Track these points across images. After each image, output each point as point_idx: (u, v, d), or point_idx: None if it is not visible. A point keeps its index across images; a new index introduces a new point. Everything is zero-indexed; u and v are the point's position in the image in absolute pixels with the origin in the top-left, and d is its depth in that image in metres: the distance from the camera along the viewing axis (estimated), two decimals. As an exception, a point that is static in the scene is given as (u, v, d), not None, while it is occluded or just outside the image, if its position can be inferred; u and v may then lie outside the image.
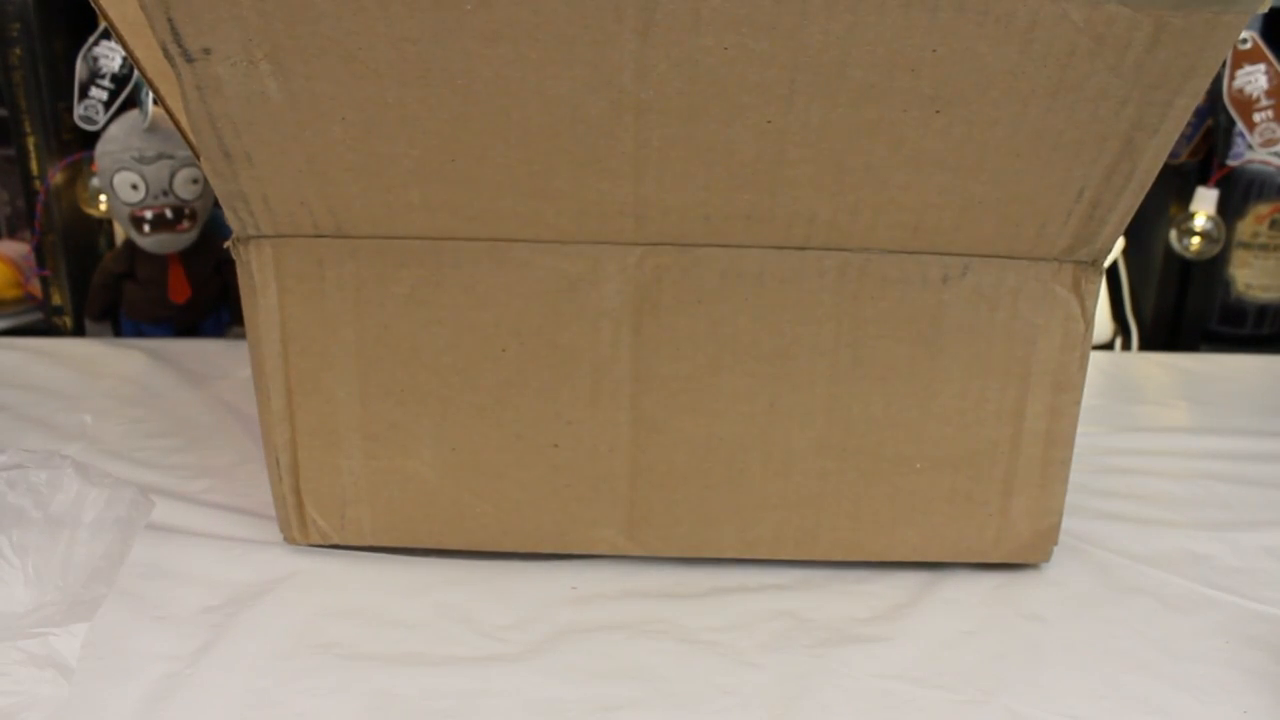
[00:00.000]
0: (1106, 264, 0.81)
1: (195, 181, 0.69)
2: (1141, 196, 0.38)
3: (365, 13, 0.33)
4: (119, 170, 0.67)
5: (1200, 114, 0.76)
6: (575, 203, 0.38)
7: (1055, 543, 0.44)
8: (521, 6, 0.33)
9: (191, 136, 0.37)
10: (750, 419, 0.41)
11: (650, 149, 0.36)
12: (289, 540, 0.44)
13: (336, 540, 0.44)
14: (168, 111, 0.40)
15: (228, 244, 0.40)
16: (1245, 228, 0.78)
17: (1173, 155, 0.78)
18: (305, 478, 0.43)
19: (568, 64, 0.34)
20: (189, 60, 0.34)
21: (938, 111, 0.35)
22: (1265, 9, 0.33)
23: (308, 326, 0.40)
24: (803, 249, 0.39)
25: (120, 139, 0.68)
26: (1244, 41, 0.71)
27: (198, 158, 0.38)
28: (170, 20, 0.33)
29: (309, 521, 0.44)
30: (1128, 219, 0.38)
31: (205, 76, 0.34)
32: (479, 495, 0.43)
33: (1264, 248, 0.78)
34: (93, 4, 0.37)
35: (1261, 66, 0.71)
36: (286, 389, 0.41)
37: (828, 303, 0.40)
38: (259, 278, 0.40)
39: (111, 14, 0.38)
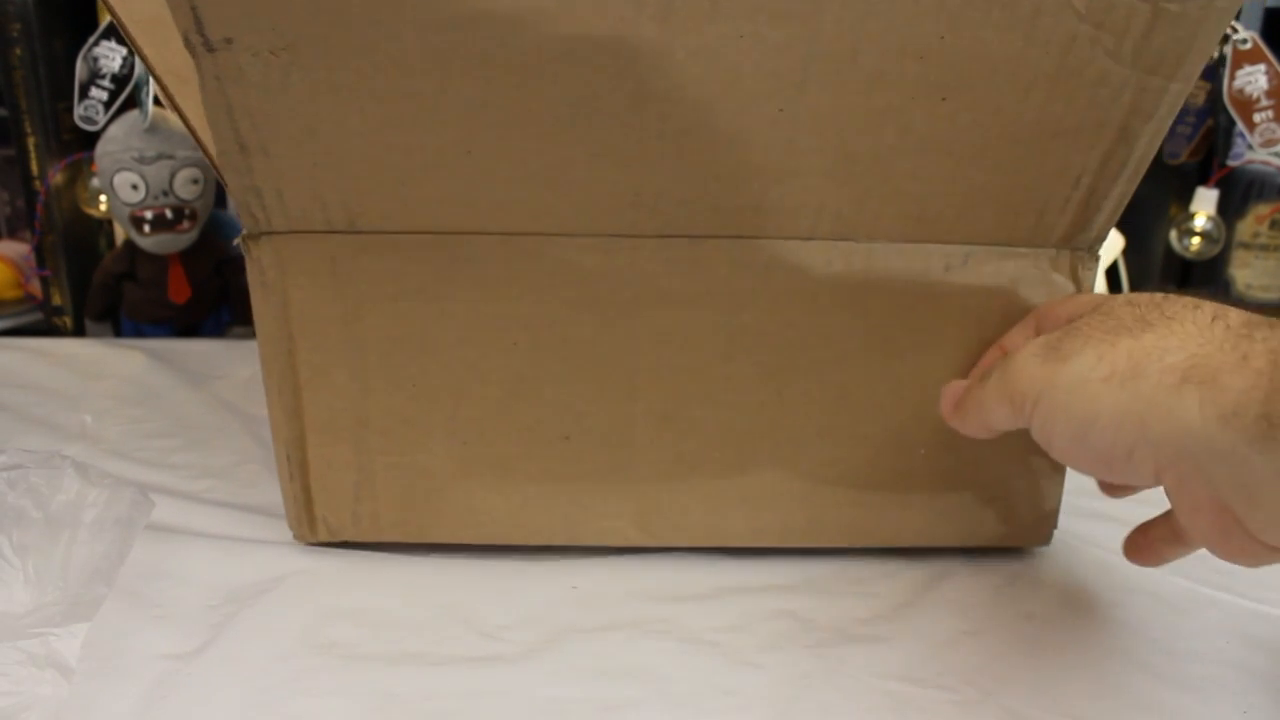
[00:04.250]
0: (1106, 264, 0.81)
1: (195, 182, 0.69)
2: (1135, 184, 0.38)
3: (388, 2, 0.33)
4: (119, 170, 0.67)
5: (1200, 114, 0.76)
6: (588, 195, 0.38)
7: (1055, 526, 0.45)
8: None
9: (203, 134, 0.37)
10: (759, 408, 0.42)
11: (666, 140, 0.36)
12: (299, 538, 0.44)
13: (346, 537, 0.44)
14: (175, 110, 0.40)
15: (238, 240, 0.40)
16: (1245, 228, 0.78)
17: (1173, 155, 0.78)
18: (315, 474, 0.43)
19: (587, 52, 0.34)
20: (210, 50, 0.34)
21: (944, 99, 0.35)
22: (1260, 4, 0.34)
23: (318, 322, 0.40)
24: (809, 239, 0.39)
25: (120, 139, 0.68)
26: (1244, 42, 0.71)
27: (207, 155, 0.38)
28: (194, 9, 0.33)
29: (318, 518, 0.44)
30: (1122, 206, 0.39)
31: (226, 66, 0.34)
32: (490, 489, 0.43)
33: (1264, 248, 0.78)
34: (102, 1, 0.37)
35: (1261, 67, 0.71)
36: (296, 385, 0.41)
37: (834, 292, 0.40)
38: (270, 274, 0.40)
39: (120, 12, 0.38)
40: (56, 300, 0.77)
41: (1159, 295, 0.33)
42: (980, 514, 0.44)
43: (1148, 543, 0.39)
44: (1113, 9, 0.33)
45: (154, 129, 0.68)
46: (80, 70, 0.69)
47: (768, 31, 0.34)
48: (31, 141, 0.72)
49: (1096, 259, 0.41)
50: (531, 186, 0.37)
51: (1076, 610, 0.42)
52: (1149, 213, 0.79)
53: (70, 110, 0.70)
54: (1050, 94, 0.35)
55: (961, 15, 0.34)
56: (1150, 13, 0.34)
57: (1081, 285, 0.41)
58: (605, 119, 0.36)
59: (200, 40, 0.34)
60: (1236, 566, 0.32)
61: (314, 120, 0.36)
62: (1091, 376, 0.31)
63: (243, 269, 0.40)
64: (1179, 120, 0.42)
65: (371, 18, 0.33)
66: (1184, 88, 0.35)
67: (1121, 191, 0.38)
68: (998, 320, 0.41)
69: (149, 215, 0.68)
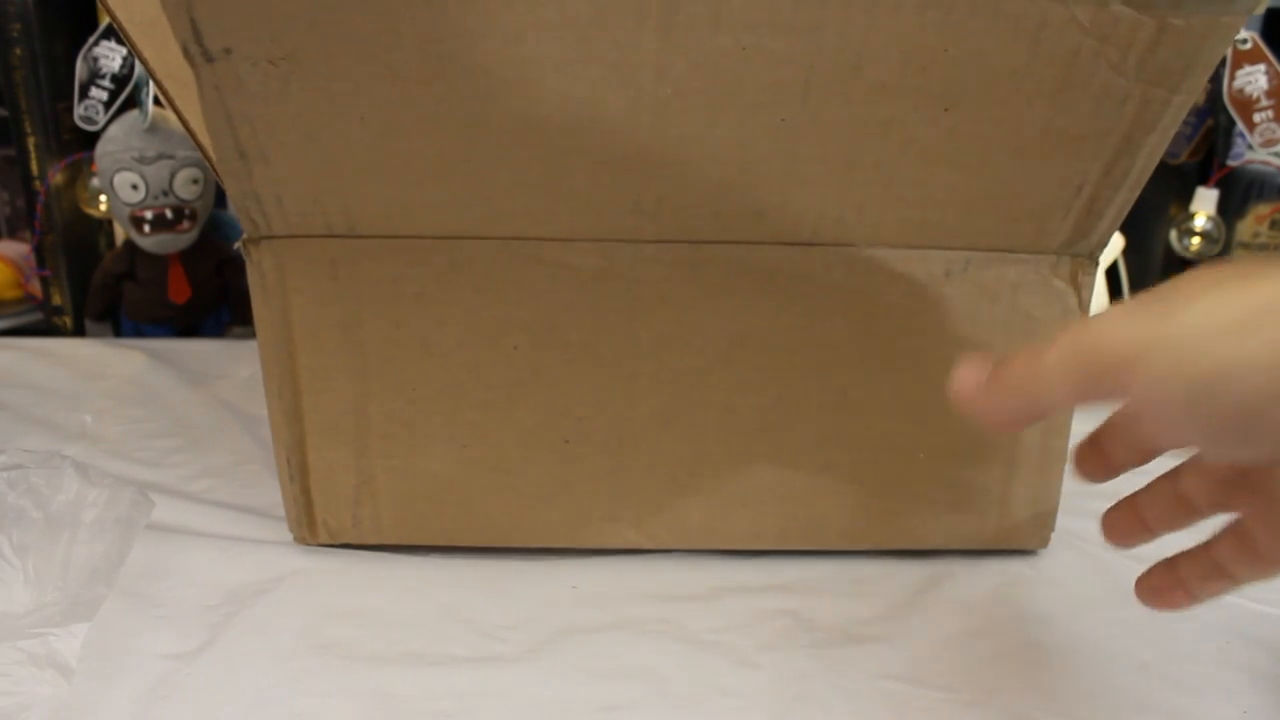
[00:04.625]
0: (1106, 264, 0.81)
1: (195, 182, 0.69)
2: (1138, 192, 0.38)
3: (390, 13, 0.33)
4: (119, 170, 0.67)
5: (1200, 114, 0.76)
6: (589, 200, 0.38)
7: (1052, 529, 0.45)
8: (546, 6, 0.33)
9: (202, 137, 0.36)
10: (759, 412, 0.42)
11: (667, 147, 0.36)
12: (299, 540, 0.44)
13: (346, 539, 0.44)
14: (175, 112, 0.40)
15: (238, 244, 0.40)
16: (1245, 228, 0.78)
17: (1173, 155, 0.78)
18: (315, 477, 0.43)
19: (588, 63, 0.34)
20: (209, 60, 0.34)
21: (946, 110, 0.35)
22: (1262, 9, 0.34)
23: (319, 326, 0.40)
24: (810, 245, 0.39)
25: (120, 139, 0.68)
26: (1244, 41, 0.71)
27: (207, 158, 0.37)
28: (192, 20, 0.33)
29: (319, 521, 0.44)
30: (1124, 214, 0.39)
31: (225, 76, 0.34)
32: (490, 492, 0.43)
33: (1264, 248, 0.78)
34: (100, 3, 0.37)
35: (1261, 66, 0.71)
36: (296, 388, 0.41)
37: (834, 297, 0.40)
38: (270, 278, 0.40)
39: (119, 14, 0.38)
40: (56, 300, 0.77)
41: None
42: (978, 518, 0.44)
43: (1177, 581, 0.34)
44: (1117, 23, 0.33)
45: (154, 129, 0.68)
46: (80, 70, 0.69)
47: (770, 43, 0.34)
48: (31, 141, 0.72)
49: (1096, 265, 0.41)
50: (531, 193, 0.37)
51: (1076, 610, 0.42)
52: (1149, 213, 0.79)
53: (70, 110, 0.70)
54: (1053, 106, 0.35)
55: (965, 28, 0.33)
56: (1155, 27, 0.33)
57: (1081, 291, 0.41)
58: (606, 128, 0.36)
59: (199, 50, 0.34)
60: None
61: (313, 128, 0.36)
62: (1211, 327, 0.26)
63: (243, 269, 0.40)
64: (1179, 120, 0.42)
65: (371, 27, 0.33)
66: (1187, 100, 0.35)
67: (1124, 199, 0.38)
68: (998, 325, 0.41)
69: (149, 215, 0.68)
